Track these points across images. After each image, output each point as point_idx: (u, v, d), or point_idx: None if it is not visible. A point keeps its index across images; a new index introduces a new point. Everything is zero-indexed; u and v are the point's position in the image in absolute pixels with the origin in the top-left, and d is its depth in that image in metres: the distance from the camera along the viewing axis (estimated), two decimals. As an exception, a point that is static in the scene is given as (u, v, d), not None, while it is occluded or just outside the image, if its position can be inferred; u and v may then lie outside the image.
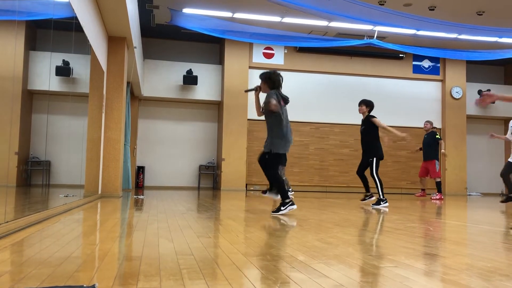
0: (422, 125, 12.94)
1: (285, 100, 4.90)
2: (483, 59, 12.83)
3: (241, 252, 2.35)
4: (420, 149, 10.04)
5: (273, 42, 12.15)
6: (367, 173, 6.97)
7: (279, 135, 4.82)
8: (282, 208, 4.72)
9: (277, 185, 4.85)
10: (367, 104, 6.92)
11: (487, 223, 4.59)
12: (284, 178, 10.23)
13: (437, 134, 9.74)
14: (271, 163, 4.87)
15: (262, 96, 5.04)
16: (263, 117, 5.06)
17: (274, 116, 4.82)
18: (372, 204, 6.71)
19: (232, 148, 12.38)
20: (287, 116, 4.90)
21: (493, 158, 14.73)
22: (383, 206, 6.52)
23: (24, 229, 3.09)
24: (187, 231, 3.18)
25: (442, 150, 9.62)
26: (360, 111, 6.99)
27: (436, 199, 9.36)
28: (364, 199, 7.23)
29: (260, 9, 10.53)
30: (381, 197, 6.62)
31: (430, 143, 9.62)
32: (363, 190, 7.26)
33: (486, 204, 8.72)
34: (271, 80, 4.91)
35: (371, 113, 6.93)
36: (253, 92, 5.06)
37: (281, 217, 4.48)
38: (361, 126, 6.99)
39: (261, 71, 5.15)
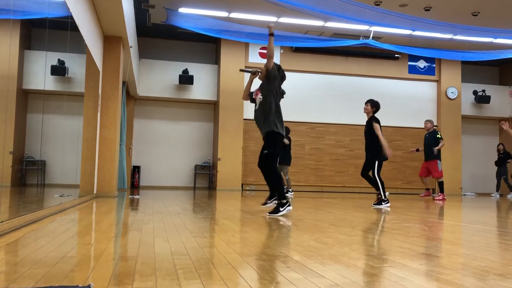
0: (417, 125, 13.11)
1: (282, 93, 4.84)
2: (478, 59, 12.89)
3: (237, 252, 2.35)
4: (417, 150, 9.90)
5: (269, 42, 12.12)
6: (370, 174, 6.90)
7: (279, 116, 4.69)
8: (281, 209, 4.58)
9: (277, 183, 4.68)
10: (373, 105, 6.80)
11: (481, 223, 4.61)
12: (286, 177, 10.25)
13: (438, 134, 9.51)
14: (270, 145, 4.63)
15: (255, 84, 5.04)
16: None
17: (273, 97, 4.69)
18: (373, 204, 6.71)
19: (228, 148, 12.37)
20: None
21: (488, 158, 14.79)
22: (384, 206, 6.52)
23: (19, 229, 3.08)
24: (183, 231, 3.18)
25: (436, 148, 9.27)
26: (364, 110, 6.87)
27: (439, 199, 9.21)
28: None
29: (256, 9, 10.53)
30: (383, 197, 6.63)
31: (432, 143, 9.38)
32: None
33: (481, 204, 8.75)
34: (279, 71, 4.81)
35: (376, 115, 6.80)
36: (249, 74, 4.91)
37: (277, 217, 4.47)
38: (365, 127, 6.87)
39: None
